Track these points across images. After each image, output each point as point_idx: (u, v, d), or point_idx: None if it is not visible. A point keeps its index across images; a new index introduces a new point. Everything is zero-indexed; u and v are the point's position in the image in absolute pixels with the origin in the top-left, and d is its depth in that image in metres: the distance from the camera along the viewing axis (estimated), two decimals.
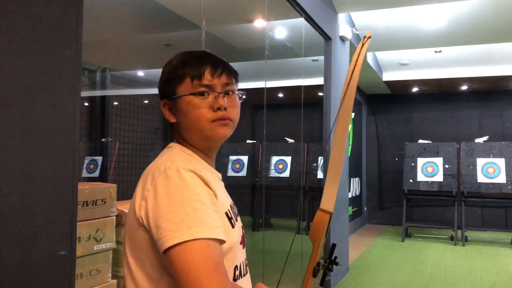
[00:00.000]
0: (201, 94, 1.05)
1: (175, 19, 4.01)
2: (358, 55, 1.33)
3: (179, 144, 1.10)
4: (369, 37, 1.34)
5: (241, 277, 1.07)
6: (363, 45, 1.33)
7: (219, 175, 1.14)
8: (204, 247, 0.86)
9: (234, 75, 1.12)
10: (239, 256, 1.06)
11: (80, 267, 2.14)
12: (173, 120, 1.10)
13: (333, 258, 1.27)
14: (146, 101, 5.86)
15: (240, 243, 1.07)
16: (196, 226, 0.87)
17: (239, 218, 1.11)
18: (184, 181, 0.93)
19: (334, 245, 1.31)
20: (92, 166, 5.08)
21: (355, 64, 1.31)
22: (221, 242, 0.91)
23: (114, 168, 5.10)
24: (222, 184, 1.15)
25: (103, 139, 5.20)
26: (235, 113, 1.09)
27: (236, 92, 1.11)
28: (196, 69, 1.06)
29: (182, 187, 0.92)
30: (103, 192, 2.37)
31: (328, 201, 1.27)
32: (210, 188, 0.96)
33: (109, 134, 5.21)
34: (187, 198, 0.90)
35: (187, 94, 1.05)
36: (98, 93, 5.15)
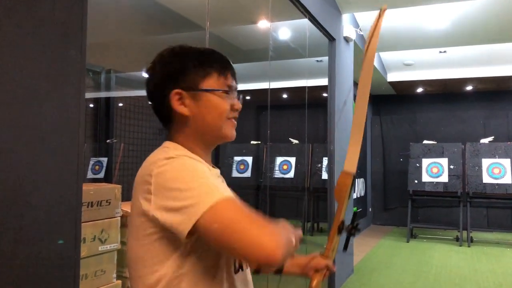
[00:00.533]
0: (227, 92, 1.08)
1: (179, 20, 4.02)
2: (375, 26, 1.42)
3: (176, 143, 1.08)
4: (385, 9, 1.43)
5: (241, 270, 1.08)
6: (379, 17, 1.41)
7: (217, 171, 1.14)
8: (232, 202, 0.90)
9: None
10: None
11: (85, 268, 2.15)
12: (186, 112, 1.05)
13: (354, 225, 1.36)
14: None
15: None
16: (215, 190, 0.91)
17: None
18: (184, 162, 0.96)
19: (355, 213, 1.41)
20: (97, 167, 5.09)
21: (373, 34, 1.43)
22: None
23: (119, 169, 5.11)
24: (222, 179, 1.15)
25: (108, 140, 5.22)
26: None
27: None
28: (222, 66, 1.09)
29: (185, 167, 0.95)
30: (107, 193, 2.38)
31: (350, 163, 1.34)
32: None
33: (114, 135, 5.23)
34: (194, 174, 0.93)
35: (220, 90, 1.07)
36: (102, 94, 5.16)
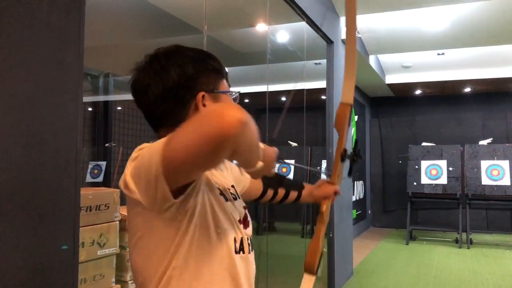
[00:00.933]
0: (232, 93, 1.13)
1: (177, 24, 4.03)
2: None
3: None
4: None
5: (242, 253, 1.08)
6: None
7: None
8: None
9: None
10: (237, 231, 1.08)
11: (84, 272, 2.14)
12: None
13: (356, 152, 1.49)
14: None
15: (240, 222, 1.11)
16: None
17: (238, 201, 1.16)
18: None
19: (356, 141, 1.56)
20: (96, 171, 5.09)
21: None
22: None
23: (117, 173, 5.11)
24: (226, 166, 1.21)
25: (106, 144, 5.22)
26: None
27: None
28: (224, 69, 1.11)
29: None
30: (106, 197, 2.37)
31: (347, 94, 1.44)
32: None
33: (113, 139, 5.23)
34: None
35: (232, 92, 1.11)
36: (101, 98, 5.17)
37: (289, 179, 1.53)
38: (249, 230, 1.16)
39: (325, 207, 1.47)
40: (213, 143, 0.78)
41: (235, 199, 1.14)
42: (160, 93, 1.03)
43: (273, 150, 1.03)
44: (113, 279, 2.40)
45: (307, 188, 1.54)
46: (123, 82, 5.43)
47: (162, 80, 1.02)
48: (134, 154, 0.97)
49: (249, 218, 1.18)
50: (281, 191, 1.49)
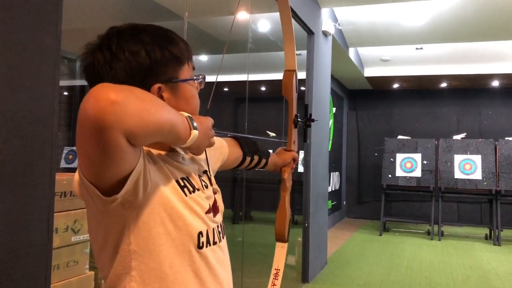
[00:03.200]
0: (197, 79, 1.04)
1: (157, 9, 3.97)
2: None
3: None
4: None
5: (210, 245, 1.02)
6: None
7: (178, 154, 1.07)
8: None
9: None
10: (204, 223, 1.02)
11: (57, 259, 2.12)
12: None
13: (308, 116, 1.56)
14: None
15: (208, 212, 1.04)
16: None
17: (208, 189, 1.09)
18: None
19: (306, 105, 1.73)
20: (70, 156, 5.01)
21: None
22: None
23: None
24: (187, 161, 1.10)
25: None
26: None
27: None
28: (189, 51, 1.01)
29: None
30: None
31: (290, 61, 1.47)
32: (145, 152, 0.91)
33: None
34: None
35: (194, 79, 1.03)
36: (77, 82, 5.07)
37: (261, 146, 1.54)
38: (219, 217, 1.10)
39: (286, 175, 1.52)
40: (91, 141, 0.74)
41: (206, 186, 1.08)
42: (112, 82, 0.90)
43: (207, 118, 0.98)
44: (87, 266, 2.38)
45: (271, 158, 1.54)
46: None
47: (112, 71, 0.92)
48: None
49: (218, 203, 1.12)
50: (256, 158, 1.49)
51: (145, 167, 0.87)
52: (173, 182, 0.97)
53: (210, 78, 1.15)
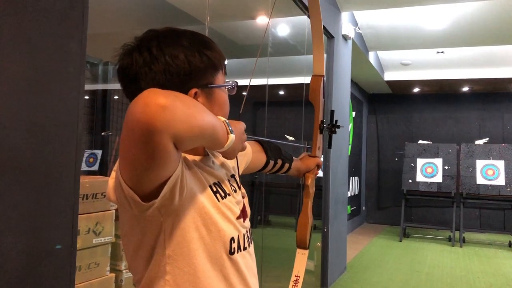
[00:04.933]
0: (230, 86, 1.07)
1: (178, 14, 4.00)
2: None
3: None
4: None
5: (240, 251, 1.03)
6: None
7: (208, 158, 1.09)
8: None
9: None
10: (236, 228, 1.03)
11: (79, 260, 2.15)
12: None
13: (334, 122, 1.52)
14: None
15: (238, 217, 1.04)
16: None
17: (237, 194, 1.10)
18: None
19: (332, 111, 1.60)
20: (91, 159, 5.08)
21: None
22: None
23: (114, 162, 5.11)
24: (216, 166, 1.10)
25: (103, 133, 5.20)
26: None
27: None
28: (223, 57, 1.03)
29: None
30: (103, 186, 2.38)
31: (318, 67, 1.45)
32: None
33: (110, 127, 5.21)
34: None
35: (228, 85, 1.05)
36: (99, 86, 5.14)
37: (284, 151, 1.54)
38: (247, 222, 1.11)
39: (309, 181, 1.50)
40: (139, 145, 0.75)
41: (235, 191, 1.09)
42: (148, 86, 0.90)
43: (239, 123, 1.00)
44: (108, 268, 2.41)
45: (294, 164, 1.54)
46: None
47: (151, 73, 0.92)
48: None
49: (247, 208, 1.13)
50: (279, 162, 1.49)
51: (183, 173, 0.88)
52: (207, 187, 0.98)
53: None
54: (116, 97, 5.30)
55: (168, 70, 0.93)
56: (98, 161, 5.15)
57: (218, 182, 1.03)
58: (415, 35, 6.13)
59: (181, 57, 0.93)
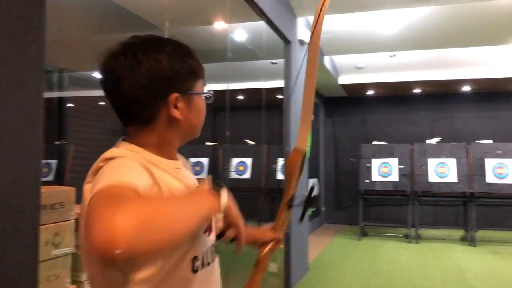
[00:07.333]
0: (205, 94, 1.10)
1: (135, 20, 3.96)
2: (320, 12, 1.37)
3: (133, 144, 1.02)
4: None
5: (203, 267, 1.01)
6: (322, 5, 1.37)
7: (181, 162, 1.12)
8: (123, 188, 0.78)
9: None
10: (202, 245, 1.02)
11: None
12: (179, 116, 1.01)
13: (311, 197, 1.42)
14: (103, 103, 5.72)
15: (205, 231, 1.04)
16: (114, 179, 0.81)
17: None
18: (119, 161, 0.90)
19: (312, 187, 1.48)
20: (45, 169, 4.92)
21: (317, 19, 1.37)
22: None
23: (70, 171, 4.96)
24: (183, 170, 1.11)
25: (57, 142, 5.06)
26: None
27: None
28: (203, 67, 1.07)
29: (116, 165, 0.89)
30: (61, 196, 2.31)
31: (302, 141, 1.36)
32: (150, 175, 0.92)
33: (66, 136, 5.07)
34: (117, 169, 0.87)
35: (207, 93, 1.08)
36: (55, 94, 5.00)
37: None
38: (213, 236, 1.10)
39: (263, 254, 1.34)
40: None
41: None
42: (131, 89, 0.95)
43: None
44: (69, 280, 2.34)
45: (248, 231, 1.35)
46: (78, 78, 5.26)
47: (135, 75, 0.95)
48: (99, 164, 0.92)
49: (213, 223, 1.11)
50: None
51: None
52: None
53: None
54: (71, 104, 5.17)
55: (152, 74, 0.95)
56: (53, 171, 5.00)
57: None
58: (369, 39, 6.30)
59: (164, 62, 0.97)
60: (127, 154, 0.96)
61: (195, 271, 0.99)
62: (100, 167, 0.90)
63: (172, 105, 0.99)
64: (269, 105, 4.73)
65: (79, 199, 2.45)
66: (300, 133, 1.37)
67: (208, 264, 1.04)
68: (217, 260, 1.11)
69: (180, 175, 1.06)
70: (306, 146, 1.36)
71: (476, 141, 8.17)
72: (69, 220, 2.36)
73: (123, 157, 0.93)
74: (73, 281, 2.39)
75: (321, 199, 10.04)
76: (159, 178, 0.94)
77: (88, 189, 0.89)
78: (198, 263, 1.00)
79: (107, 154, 0.95)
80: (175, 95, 0.99)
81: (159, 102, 0.99)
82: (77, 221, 2.43)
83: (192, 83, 1.04)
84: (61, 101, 5.02)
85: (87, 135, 5.13)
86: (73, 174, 4.84)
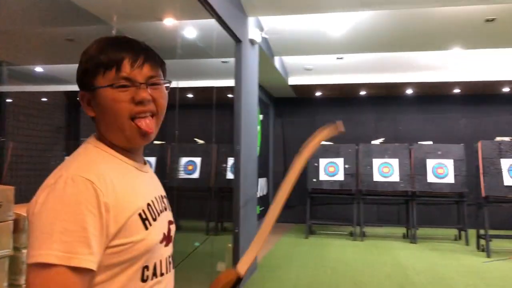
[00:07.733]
0: (122, 86, 0.95)
1: (83, 14, 3.82)
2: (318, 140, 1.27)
3: (97, 139, 1.01)
4: (340, 131, 1.25)
5: (156, 277, 0.98)
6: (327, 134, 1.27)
7: (145, 167, 1.08)
8: (55, 274, 0.80)
9: (160, 65, 1.03)
10: (156, 255, 0.99)
11: None
12: (92, 114, 0.99)
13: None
14: (45, 99, 5.48)
15: (161, 241, 1.01)
16: (56, 249, 0.81)
17: (165, 213, 1.06)
18: (67, 195, 0.84)
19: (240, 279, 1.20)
20: None
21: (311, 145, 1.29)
22: (87, 270, 0.84)
23: (8, 169, 4.73)
24: (149, 175, 1.08)
25: None
26: (162, 105, 1.03)
27: (163, 82, 1.02)
28: (114, 58, 0.95)
29: (62, 201, 0.84)
30: None
31: (243, 264, 1.18)
32: (102, 203, 0.87)
33: (4, 133, 4.82)
34: (61, 216, 0.83)
35: (104, 86, 0.94)
36: None
37: None
38: (170, 247, 1.06)
39: None
40: None
41: (161, 211, 1.04)
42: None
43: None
44: (6, 283, 2.24)
45: None
46: (19, 72, 5.01)
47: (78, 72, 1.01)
48: (50, 181, 0.88)
49: (172, 233, 1.08)
50: None
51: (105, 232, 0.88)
52: (137, 218, 0.94)
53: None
54: (11, 100, 4.92)
55: (77, 72, 1.00)
56: None
57: (151, 201, 1.01)
58: (317, 41, 6.42)
59: (82, 61, 0.99)
60: (80, 168, 0.90)
61: (144, 280, 0.96)
62: (50, 187, 0.87)
63: (83, 104, 1.00)
64: (220, 104, 4.72)
65: (18, 198, 2.35)
66: (246, 255, 1.20)
67: (162, 275, 1.01)
68: (172, 272, 1.08)
69: (139, 179, 1.02)
70: (245, 271, 1.17)
71: (418, 142, 8.52)
72: (7, 221, 2.25)
73: (72, 187, 0.86)
74: (11, 285, 2.29)
75: (270, 198, 10.13)
76: (109, 198, 0.89)
77: (34, 210, 0.86)
78: (148, 273, 0.97)
79: (57, 172, 0.90)
80: (80, 93, 1.00)
81: (83, 101, 1.00)
82: (15, 221, 2.31)
83: (94, 78, 0.96)
84: (0, 96, 4.77)
85: (28, 131, 4.91)
86: (13, 172, 4.61)
